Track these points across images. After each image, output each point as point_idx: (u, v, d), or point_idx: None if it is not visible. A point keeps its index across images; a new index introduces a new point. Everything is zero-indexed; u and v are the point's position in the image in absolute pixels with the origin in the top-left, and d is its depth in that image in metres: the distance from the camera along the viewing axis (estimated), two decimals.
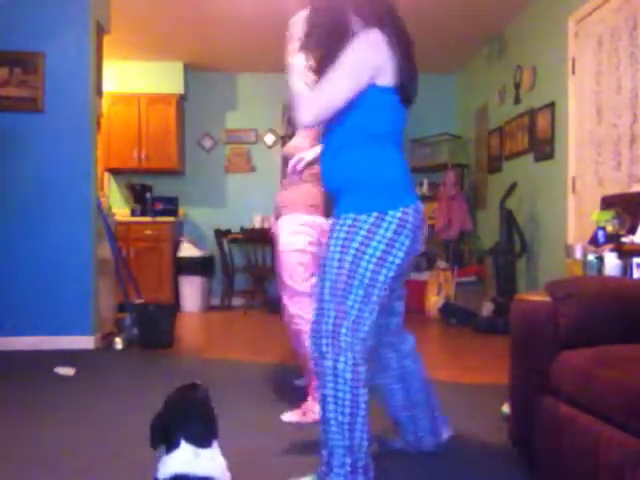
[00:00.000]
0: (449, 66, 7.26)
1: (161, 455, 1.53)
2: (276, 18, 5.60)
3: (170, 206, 7.08)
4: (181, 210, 7.35)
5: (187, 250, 6.96)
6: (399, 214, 1.89)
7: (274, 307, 6.63)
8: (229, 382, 3.56)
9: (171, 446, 1.51)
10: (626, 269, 2.86)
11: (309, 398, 2.89)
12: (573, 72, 4.66)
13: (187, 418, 1.51)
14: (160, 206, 7.02)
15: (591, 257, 3.05)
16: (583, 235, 4.05)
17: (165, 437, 1.51)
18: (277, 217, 3.04)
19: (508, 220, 5.44)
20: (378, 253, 1.86)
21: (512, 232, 5.45)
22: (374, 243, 1.86)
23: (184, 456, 1.49)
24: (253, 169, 7.59)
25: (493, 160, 6.42)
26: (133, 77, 7.10)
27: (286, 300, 2.92)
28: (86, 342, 4.55)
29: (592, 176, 4.42)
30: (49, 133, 4.59)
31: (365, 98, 1.90)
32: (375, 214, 1.87)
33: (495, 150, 6.34)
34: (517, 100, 5.76)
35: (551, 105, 5.01)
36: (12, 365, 4.03)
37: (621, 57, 4.07)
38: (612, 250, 2.96)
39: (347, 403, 1.85)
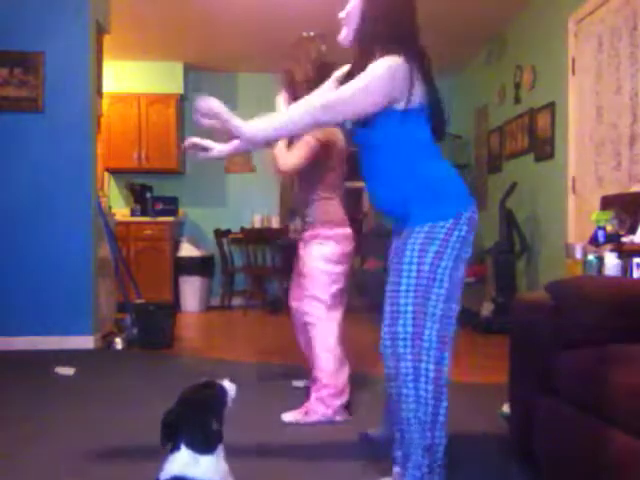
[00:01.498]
0: (449, 66, 7.25)
1: (166, 454, 1.53)
2: (276, 18, 5.61)
3: (170, 206, 7.08)
4: (181, 210, 7.35)
5: (187, 250, 6.96)
6: (469, 214, 1.98)
7: (274, 307, 6.65)
8: None
9: (174, 447, 1.51)
10: (626, 269, 2.86)
11: (311, 398, 2.89)
12: (573, 72, 4.66)
13: (190, 423, 1.50)
14: (160, 206, 7.01)
15: (591, 257, 3.05)
16: (583, 235, 4.05)
17: (172, 436, 1.51)
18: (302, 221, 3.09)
19: (508, 220, 5.44)
20: (455, 252, 1.93)
21: (512, 232, 5.44)
22: (451, 244, 1.92)
23: (183, 459, 1.49)
24: (253, 169, 7.59)
25: (493, 160, 6.42)
26: (133, 77, 7.10)
27: (304, 299, 2.95)
28: (86, 342, 4.55)
29: (592, 176, 4.42)
30: (49, 133, 4.59)
31: (400, 121, 1.92)
32: (451, 220, 1.94)
33: (495, 150, 6.34)
34: (517, 100, 5.75)
35: (551, 105, 5.01)
36: (12, 365, 4.03)
37: (621, 57, 4.07)
38: (612, 250, 2.96)
39: (430, 402, 1.87)
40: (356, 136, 2.05)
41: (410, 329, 1.88)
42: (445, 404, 1.91)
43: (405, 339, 1.89)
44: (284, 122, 1.97)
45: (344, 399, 2.89)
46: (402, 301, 1.90)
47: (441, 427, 1.90)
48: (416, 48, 1.97)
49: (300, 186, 3.07)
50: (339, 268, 2.92)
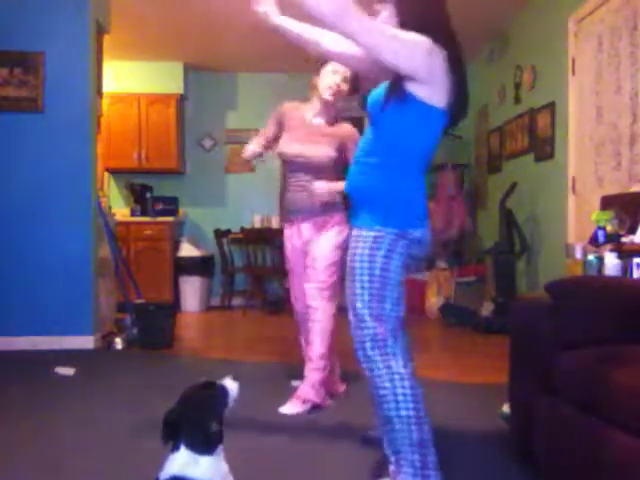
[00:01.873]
0: None
1: (167, 454, 1.53)
2: None
3: (170, 206, 7.08)
4: (181, 210, 7.35)
5: (187, 250, 6.96)
6: (417, 234, 1.97)
7: (274, 307, 6.65)
8: None
9: (174, 447, 1.51)
10: (626, 269, 2.86)
11: (304, 384, 3.02)
12: (573, 72, 4.66)
13: (189, 424, 1.50)
14: (160, 206, 7.01)
15: (591, 257, 3.06)
16: (583, 235, 4.05)
17: (173, 435, 1.51)
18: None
19: (508, 220, 5.44)
20: (399, 263, 1.94)
21: (512, 232, 5.44)
22: (398, 249, 1.93)
23: (183, 459, 1.49)
24: (253, 169, 7.58)
25: (493, 160, 6.42)
26: (133, 77, 7.10)
27: (311, 283, 3.06)
28: (86, 342, 4.55)
29: (592, 176, 4.42)
30: (49, 133, 4.59)
31: (415, 116, 1.90)
32: (398, 231, 1.94)
33: (495, 150, 6.34)
34: (517, 100, 5.75)
35: (551, 105, 5.01)
36: (12, 365, 4.03)
37: (621, 57, 4.07)
38: (612, 250, 2.96)
39: (409, 398, 1.89)
40: (369, 106, 2.03)
41: (372, 331, 1.91)
42: (422, 399, 1.91)
43: (372, 341, 1.91)
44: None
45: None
46: (360, 305, 1.93)
47: (426, 421, 1.90)
48: (447, 37, 1.93)
49: (317, 173, 3.08)
50: (340, 256, 3.01)
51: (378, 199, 1.95)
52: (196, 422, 1.51)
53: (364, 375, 1.96)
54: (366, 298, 1.91)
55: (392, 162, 1.95)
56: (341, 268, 2.96)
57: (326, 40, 2.10)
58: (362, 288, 1.92)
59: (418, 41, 1.84)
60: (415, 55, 1.83)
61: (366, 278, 1.92)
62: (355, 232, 1.99)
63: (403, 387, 1.89)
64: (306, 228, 3.11)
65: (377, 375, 1.90)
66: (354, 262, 1.95)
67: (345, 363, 3.26)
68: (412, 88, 1.87)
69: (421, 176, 2.00)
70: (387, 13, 1.96)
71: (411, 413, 1.88)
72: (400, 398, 1.88)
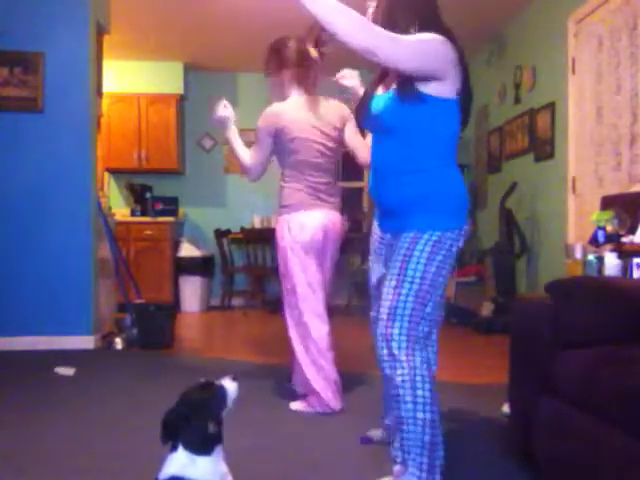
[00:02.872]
0: None
1: (165, 455, 1.53)
2: (276, 18, 5.60)
3: (170, 206, 7.07)
4: (181, 210, 7.35)
5: (187, 250, 6.96)
6: (466, 226, 2.03)
7: (274, 307, 6.65)
8: None
9: (172, 448, 1.51)
10: (626, 269, 2.86)
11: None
12: (573, 72, 4.66)
13: (188, 424, 1.50)
14: (160, 206, 7.01)
15: (591, 257, 3.06)
16: (583, 235, 4.05)
17: (172, 435, 1.51)
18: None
19: (508, 220, 5.43)
20: (452, 262, 1.99)
21: (512, 232, 5.44)
22: (452, 254, 1.98)
23: (181, 460, 1.49)
24: None
25: (493, 160, 6.42)
26: (133, 77, 7.10)
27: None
28: (86, 342, 4.55)
29: (592, 176, 4.42)
30: (49, 133, 4.59)
31: (436, 112, 1.91)
32: (457, 231, 1.98)
33: (495, 150, 6.34)
34: (517, 100, 5.75)
35: (551, 105, 5.01)
36: (12, 365, 4.02)
37: (621, 57, 4.07)
38: (612, 250, 2.96)
39: (427, 400, 1.89)
40: (379, 118, 2.00)
41: (405, 331, 1.91)
42: (437, 402, 1.93)
43: (400, 341, 1.90)
44: (353, 15, 1.75)
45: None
46: (401, 304, 1.92)
47: (438, 425, 1.91)
48: (445, 29, 1.96)
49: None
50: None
51: (433, 203, 1.96)
52: (194, 423, 1.51)
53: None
54: (410, 299, 1.91)
55: (431, 164, 1.96)
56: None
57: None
58: (410, 289, 1.92)
59: (434, 39, 1.86)
60: (438, 55, 1.86)
61: (418, 280, 1.91)
62: (412, 235, 1.95)
63: (424, 389, 1.89)
64: None
65: (399, 375, 1.90)
66: (408, 263, 1.93)
67: (346, 364, 3.26)
68: (426, 88, 1.88)
69: (456, 165, 2.03)
70: (375, 8, 1.98)
71: (427, 416, 1.89)
72: (419, 400, 1.89)
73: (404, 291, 1.92)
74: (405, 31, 1.89)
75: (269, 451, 2.43)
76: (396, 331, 1.91)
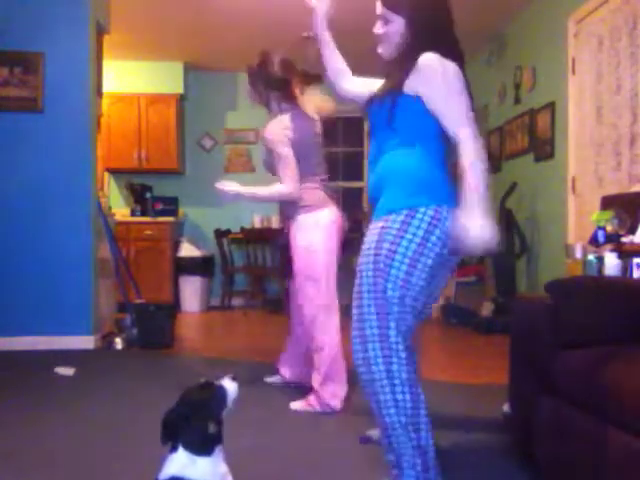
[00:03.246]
0: None
1: (165, 455, 1.53)
2: (276, 18, 5.61)
3: (170, 206, 7.07)
4: (181, 210, 7.35)
5: (187, 250, 6.96)
6: (431, 212, 1.83)
7: (274, 307, 6.65)
8: None
9: (172, 448, 1.51)
10: (626, 269, 2.86)
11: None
12: (573, 72, 4.66)
13: (188, 424, 1.50)
14: (160, 206, 7.01)
15: (591, 257, 3.06)
16: (583, 235, 4.05)
17: (172, 436, 1.51)
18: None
19: (508, 220, 5.43)
20: (410, 253, 1.81)
21: (512, 232, 5.44)
22: (404, 242, 1.82)
23: (181, 460, 1.49)
24: (253, 169, 7.58)
25: (493, 160, 6.41)
26: (133, 77, 7.10)
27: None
28: (86, 342, 4.55)
29: (592, 176, 4.42)
30: (49, 133, 4.59)
31: (412, 107, 1.91)
32: (405, 211, 1.83)
33: (495, 150, 6.34)
34: (517, 100, 5.76)
35: (551, 105, 5.01)
36: (12, 365, 4.02)
37: (621, 57, 4.07)
38: (612, 250, 2.96)
39: (408, 404, 1.83)
40: (371, 117, 2.01)
41: (377, 331, 1.83)
42: (423, 404, 1.86)
43: (374, 341, 1.83)
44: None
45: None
46: (365, 302, 1.85)
47: (426, 427, 1.85)
48: (457, 50, 1.97)
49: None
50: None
51: (394, 184, 1.90)
52: (194, 423, 1.51)
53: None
54: (372, 295, 1.83)
55: (415, 149, 1.92)
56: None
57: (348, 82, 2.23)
58: (368, 285, 1.84)
59: (453, 72, 1.88)
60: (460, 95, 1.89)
61: (370, 273, 1.83)
62: (378, 221, 1.89)
63: (403, 393, 1.82)
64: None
65: (377, 379, 1.83)
66: (371, 251, 1.85)
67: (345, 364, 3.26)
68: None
69: (431, 155, 1.94)
70: (395, 27, 1.96)
71: (409, 420, 1.83)
72: (400, 404, 1.83)
73: (364, 287, 1.85)
74: (414, 59, 1.89)
75: (269, 451, 2.43)
76: (367, 332, 1.84)
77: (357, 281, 1.90)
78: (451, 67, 1.88)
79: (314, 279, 3.00)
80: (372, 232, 1.89)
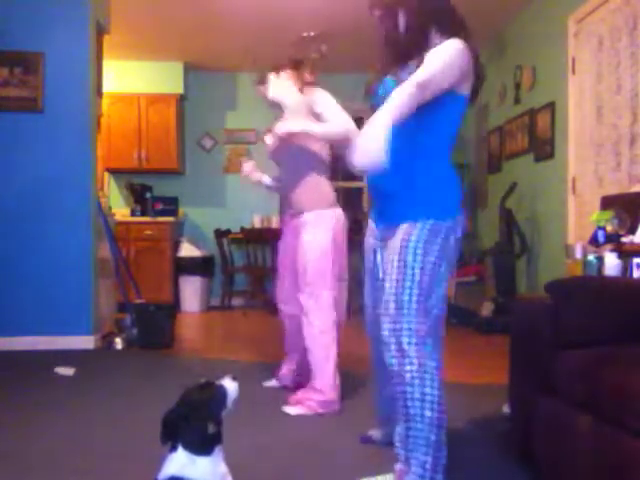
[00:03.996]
0: None
1: (165, 455, 1.53)
2: (276, 18, 5.60)
3: (170, 206, 7.07)
4: (181, 210, 7.35)
5: (187, 250, 6.95)
6: (462, 218, 2.00)
7: (274, 307, 6.64)
8: None
9: (172, 447, 1.51)
10: (626, 269, 2.86)
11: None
12: (573, 72, 4.66)
13: (188, 424, 1.50)
14: (160, 206, 7.01)
15: (591, 257, 3.06)
16: (583, 235, 4.05)
17: (171, 436, 1.51)
18: None
19: (508, 220, 5.43)
20: (451, 253, 1.96)
21: (512, 232, 5.44)
22: (450, 244, 1.95)
23: (181, 460, 1.49)
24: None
25: (493, 160, 6.42)
26: (133, 77, 7.10)
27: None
28: (86, 342, 4.55)
29: (592, 176, 4.42)
30: (49, 133, 4.59)
31: (446, 106, 1.93)
32: (451, 219, 1.96)
33: (495, 150, 6.34)
34: (517, 100, 5.75)
35: (551, 105, 5.01)
36: (12, 365, 4.02)
37: (621, 57, 4.07)
38: (612, 250, 2.96)
39: (435, 399, 1.88)
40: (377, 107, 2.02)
41: (414, 326, 1.88)
42: (445, 402, 1.92)
43: (410, 336, 1.88)
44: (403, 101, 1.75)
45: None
46: (406, 298, 1.89)
47: (444, 424, 1.90)
48: (462, 26, 2.02)
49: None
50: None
51: (425, 193, 1.96)
52: (194, 423, 1.51)
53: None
54: (415, 291, 1.89)
55: (424, 156, 1.96)
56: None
57: None
58: (412, 281, 1.89)
59: (454, 51, 1.89)
60: (454, 70, 1.87)
61: (418, 271, 1.89)
62: (407, 226, 1.95)
63: (432, 387, 1.88)
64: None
65: (408, 371, 1.87)
66: (406, 254, 1.91)
67: (345, 364, 3.26)
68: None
69: (447, 157, 2.02)
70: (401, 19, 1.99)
71: (435, 415, 1.87)
72: (427, 398, 1.87)
73: (407, 283, 1.89)
74: (426, 37, 1.95)
75: (269, 451, 2.43)
76: (405, 325, 1.88)
77: (392, 277, 1.93)
78: (456, 43, 1.90)
79: (323, 270, 2.98)
80: (420, 233, 1.92)
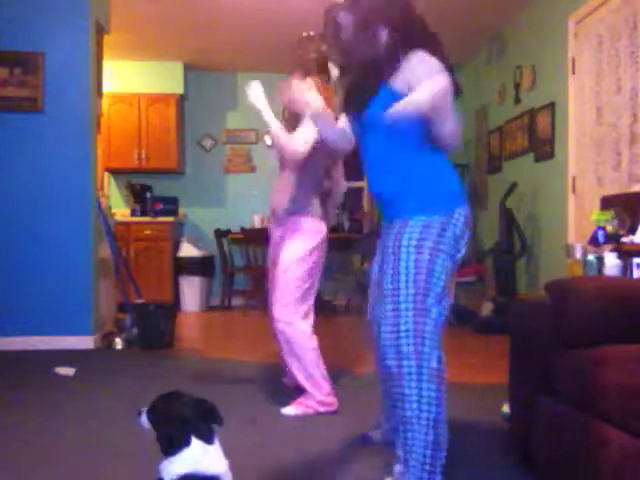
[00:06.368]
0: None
1: (160, 460, 1.52)
2: (276, 17, 5.61)
3: (170, 206, 7.08)
4: (181, 210, 7.35)
5: (187, 250, 6.96)
6: (463, 211, 1.99)
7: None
8: (229, 381, 3.56)
9: (177, 447, 1.49)
10: (626, 269, 2.86)
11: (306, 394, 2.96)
12: (573, 72, 4.66)
13: (195, 415, 1.51)
14: (160, 206, 7.01)
15: (591, 257, 3.05)
16: (583, 235, 4.05)
17: (169, 442, 1.51)
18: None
19: (508, 220, 5.44)
20: (448, 249, 1.94)
21: (512, 232, 5.44)
22: (446, 240, 1.93)
23: (194, 454, 1.48)
24: (253, 169, 7.59)
25: (493, 160, 6.42)
26: (133, 77, 7.10)
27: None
28: (86, 342, 4.55)
29: (592, 176, 4.42)
30: (49, 133, 4.59)
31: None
32: (446, 214, 1.95)
33: (495, 150, 6.34)
34: (517, 100, 5.75)
35: (551, 105, 5.01)
36: (12, 365, 4.03)
37: (621, 57, 4.07)
38: (612, 250, 2.95)
39: (433, 401, 1.87)
40: (368, 117, 2.01)
41: (412, 326, 1.87)
42: (446, 402, 1.91)
43: (408, 337, 1.87)
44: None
45: None
46: (402, 298, 1.89)
47: (444, 424, 1.90)
48: (434, 42, 2.01)
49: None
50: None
51: (418, 190, 1.96)
52: (197, 412, 1.52)
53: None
54: (411, 291, 1.88)
55: (416, 153, 1.98)
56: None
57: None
58: (407, 280, 1.88)
59: (438, 66, 1.90)
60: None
61: (412, 270, 1.88)
62: (401, 222, 1.95)
63: (429, 389, 1.86)
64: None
65: (406, 372, 1.86)
66: (399, 253, 1.91)
67: (345, 363, 3.26)
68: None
69: (442, 153, 2.02)
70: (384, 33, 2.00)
71: (432, 416, 1.86)
72: (424, 400, 1.86)
73: (402, 283, 1.88)
74: (379, 39, 1.96)
75: (269, 451, 2.43)
76: (402, 327, 1.88)
77: (388, 277, 1.93)
78: (434, 60, 1.92)
79: (314, 274, 3.08)
80: (411, 231, 1.92)
